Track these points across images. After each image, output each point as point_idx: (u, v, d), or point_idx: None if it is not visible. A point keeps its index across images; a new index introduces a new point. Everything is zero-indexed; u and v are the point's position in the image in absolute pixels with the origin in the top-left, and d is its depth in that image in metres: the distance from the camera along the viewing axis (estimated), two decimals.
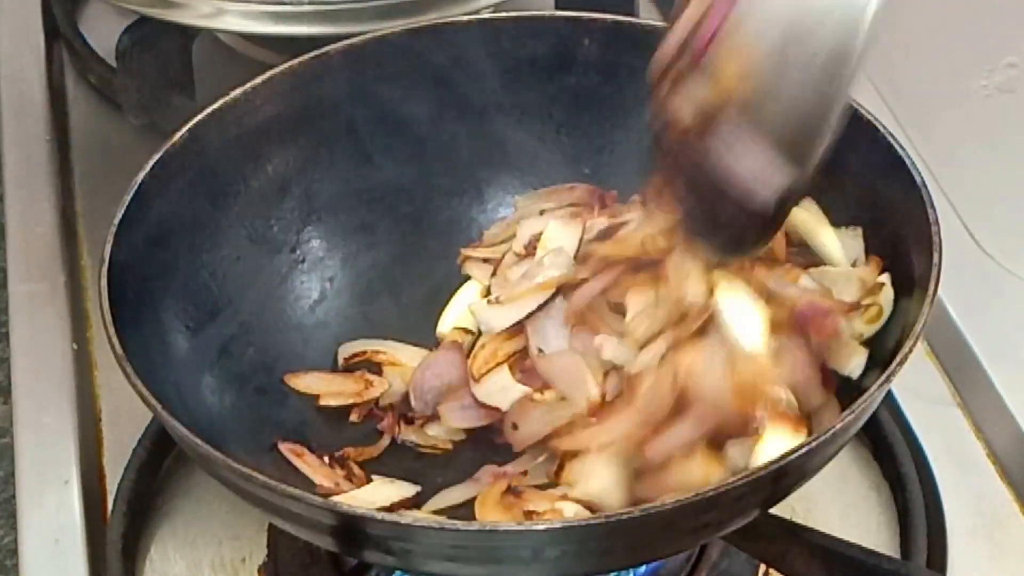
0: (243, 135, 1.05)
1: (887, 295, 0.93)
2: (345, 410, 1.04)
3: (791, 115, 0.80)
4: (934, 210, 0.91)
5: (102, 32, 1.43)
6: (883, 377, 0.83)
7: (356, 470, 0.99)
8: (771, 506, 0.86)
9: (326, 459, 0.99)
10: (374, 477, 0.98)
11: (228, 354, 1.02)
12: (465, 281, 1.09)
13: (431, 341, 1.07)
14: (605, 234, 1.03)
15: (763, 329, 0.90)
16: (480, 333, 1.04)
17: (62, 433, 1.10)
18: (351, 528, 0.82)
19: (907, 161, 0.94)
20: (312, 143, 1.08)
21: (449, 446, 1.01)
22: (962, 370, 1.14)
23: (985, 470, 1.08)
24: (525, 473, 0.95)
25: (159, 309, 0.98)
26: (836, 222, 1.00)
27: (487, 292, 1.06)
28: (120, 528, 1.04)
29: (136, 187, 0.97)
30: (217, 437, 0.99)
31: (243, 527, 1.06)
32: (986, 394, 1.11)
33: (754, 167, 0.81)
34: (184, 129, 1.01)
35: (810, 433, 0.88)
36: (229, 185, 1.05)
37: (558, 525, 0.80)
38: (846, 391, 0.92)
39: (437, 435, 1.01)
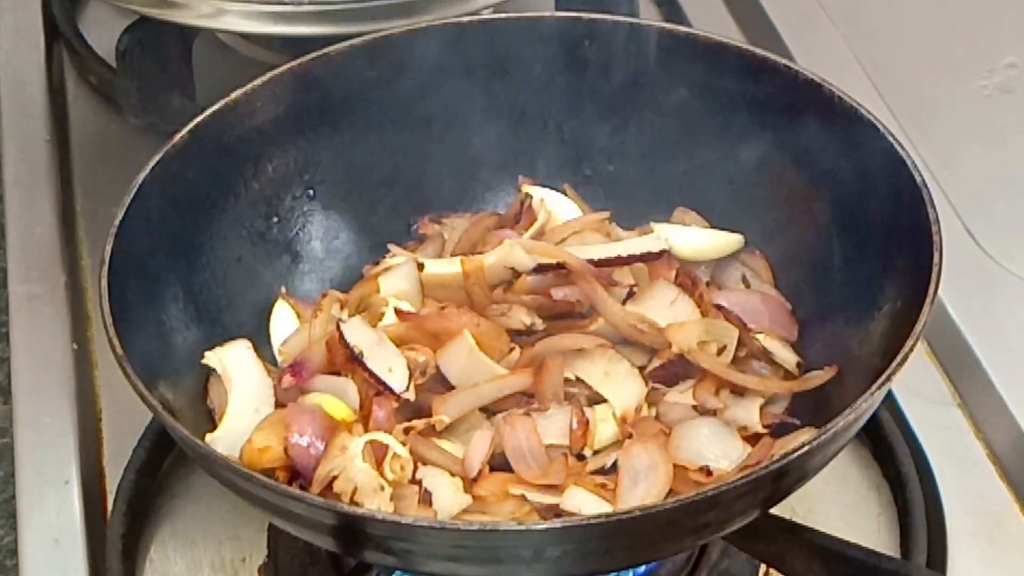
0: (243, 135, 1.05)
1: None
2: None
3: None
4: (934, 210, 0.91)
5: (102, 32, 1.43)
6: (883, 377, 0.83)
7: None
8: (771, 506, 0.86)
9: None
10: None
11: None
12: None
13: None
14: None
15: None
16: None
17: (62, 433, 1.10)
18: (351, 528, 0.82)
19: (907, 161, 0.94)
20: (312, 144, 1.08)
21: None
22: (962, 370, 1.14)
23: (985, 470, 1.08)
24: None
25: (159, 309, 0.98)
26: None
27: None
28: (120, 528, 1.04)
29: (136, 187, 0.97)
30: None
31: (243, 527, 1.06)
32: (986, 394, 1.11)
33: None
34: (184, 129, 1.01)
35: None
36: (229, 185, 1.05)
37: (559, 525, 0.79)
38: (845, 392, 0.93)
39: None
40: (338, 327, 0.97)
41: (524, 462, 0.93)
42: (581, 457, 0.95)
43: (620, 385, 0.98)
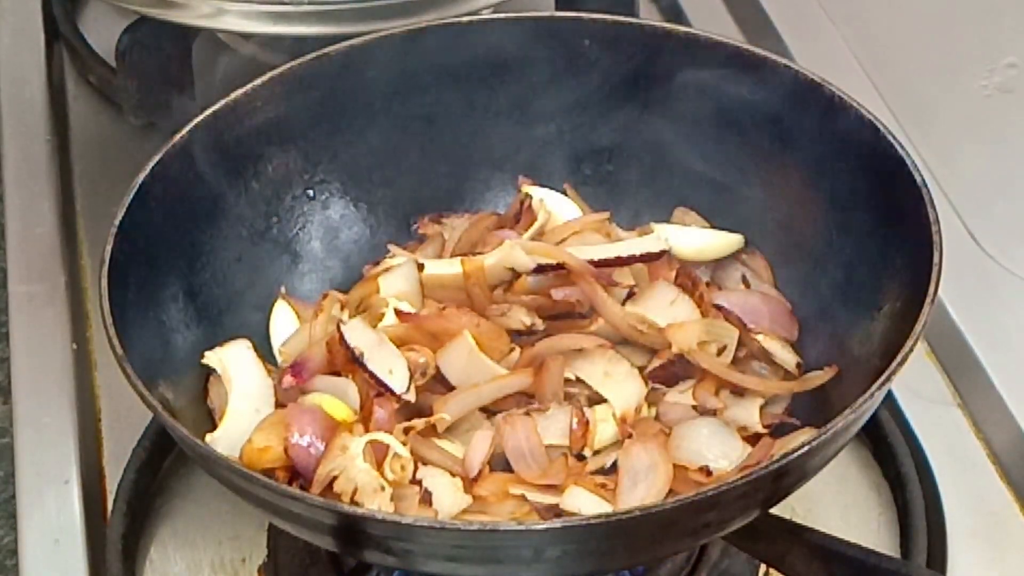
0: (243, 135, 1.05)
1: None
2: None
3: None
4: (934, 210, 0.91)
5: (102, 32, 1.43)
6: (883, 377, 0.83)
7: None
8: (771, 506, 0.86)
9: None
10: None
11: None
12: None
13: None
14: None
15: None
16: None
17: (62, 433, 1.10)
18: (351, 528, 0.82)
19: (907, 161, 0.94)
20: (312, 144, 1.08)
21: None
22: (962, 370, 1.14)
23: (985, 470, 1.08)
24: None
25: (159, 309, 0.98)
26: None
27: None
28: (120, 528, 1.04)
29: (136, 187, 0.97)
30: None
31: (243, 527, 1.06)
32: (986, 394, 1.11)
33: None
34: (184, 129, 1.01)
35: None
36: (229, 185, 1.05)
37: (559, 525, 0.80)
38: (845, 392, 0.93)
39: None
40: (338, 328, 0.97)
41: (524, 462, 0.93)
42: (581, 457, 0.95)
43: (620, 385, 0.98)
